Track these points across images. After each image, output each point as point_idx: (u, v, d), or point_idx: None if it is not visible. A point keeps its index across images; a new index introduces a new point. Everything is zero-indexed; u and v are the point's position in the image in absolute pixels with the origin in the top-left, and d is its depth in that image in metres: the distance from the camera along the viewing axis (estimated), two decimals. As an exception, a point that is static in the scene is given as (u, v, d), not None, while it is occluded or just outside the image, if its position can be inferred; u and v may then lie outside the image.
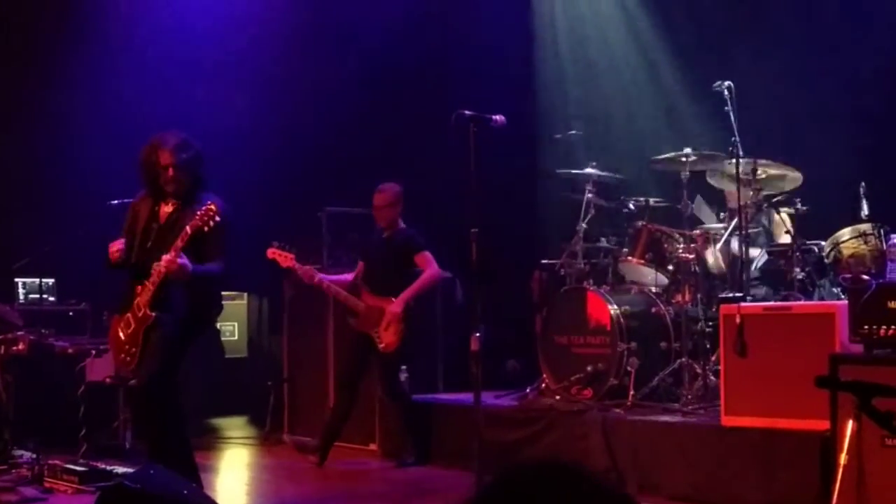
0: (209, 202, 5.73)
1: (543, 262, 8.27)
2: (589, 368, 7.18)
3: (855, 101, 7.73)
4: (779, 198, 7.04)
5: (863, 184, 6.67)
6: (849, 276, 6.05)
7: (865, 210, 6.61)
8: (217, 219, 5.66)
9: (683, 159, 7.18)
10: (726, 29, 8.59)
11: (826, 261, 6.65)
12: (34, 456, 6.86)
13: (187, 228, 5.69)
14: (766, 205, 7.13)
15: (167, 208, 6.02)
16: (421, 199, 7.94)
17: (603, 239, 7.89)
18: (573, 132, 8.45)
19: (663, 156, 7.36)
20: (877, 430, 4.80)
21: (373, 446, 8.13)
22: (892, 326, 5.14)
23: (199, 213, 5.69)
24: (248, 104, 9.73)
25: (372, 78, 9.54)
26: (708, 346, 6.91)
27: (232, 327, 10.42)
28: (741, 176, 6.65)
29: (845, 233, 6.57)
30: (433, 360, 8.56)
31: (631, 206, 7.73)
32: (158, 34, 9.24)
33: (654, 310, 7.28)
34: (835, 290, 6.60)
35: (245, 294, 10.54)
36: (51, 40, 9.05)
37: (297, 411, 8.91)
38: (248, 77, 9.75)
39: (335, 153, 9.59)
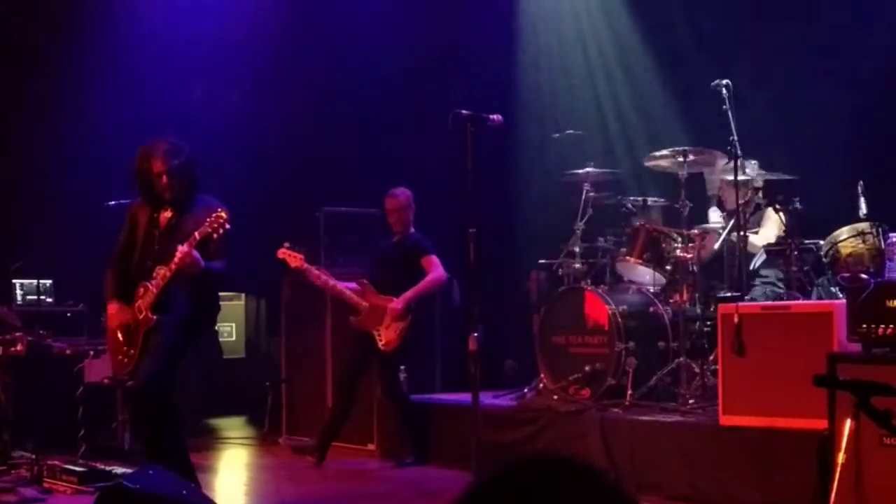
0: (219, 209, 5.74)
1: (541, 261, 8.29)
2: (587, 368, 7.18)
3: (853, 100, 7.73)
4: (778, 196, 7.04)
5: (861, 182, 6.67)
6: (847, 274, 6.04)
7: (864, 209, 6.61)
8: (227, 226, 5.68)
9: (681, 158, 7.18)
10: (726, 29, 8.59)
11: (824, 260, 6.65)
12: (33, 456, 6.86)
13: (196, 234, 5.69)
14: (763, 203, 7.14)
15: (166, 214, 6.03)
16: (418, 199, 7.94)
17: (601, 238, 7.88)
18: (571, 132, 8.45)
19: (660, 152, 7.34)
20: (875, 429, 4.80)
21: (371, 446, 8.13)
22: (891, 325, 5.14)
23: (208, 219, 5.69)
24: (245, 104, 9.73)
25: (370, 77, 9.53)
26: (706, 345, 6.92)
27: (230, 328, 10.42)
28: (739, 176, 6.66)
29: (843, 232, 6.56)
30: (431, 361, 8.56)
31: (629, 206, 7.73)
32: (158, 34, 9.23)
33: (652, 309, 7.28)
34: (833, 289, 6.60)
35: (243, 295, 10.55)
36: (49, 41, 9.04)
37: (295, 412, 8.91)
38: (245, 77, 9.75)
39: (332, 153, 9.58)
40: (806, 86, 7.97)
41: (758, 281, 7.09)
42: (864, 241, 6.39)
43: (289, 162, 9.64)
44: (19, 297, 8.66)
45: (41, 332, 8.10)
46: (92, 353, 7.87)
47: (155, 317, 5.83)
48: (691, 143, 7.40)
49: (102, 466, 6.68)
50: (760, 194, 7.29)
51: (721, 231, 7.19)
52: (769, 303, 6.38)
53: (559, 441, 6.89)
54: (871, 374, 4.03)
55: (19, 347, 7.73)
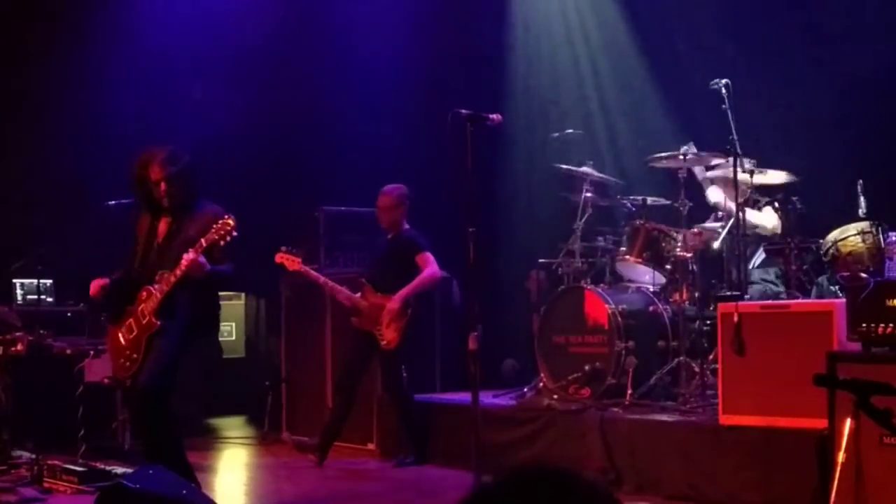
0: (226, 216, 5.75)
1: (541, 261, 8.29)
2: (587, 367, 7.18)
3: (853, 100, 7.73)
4: (778, 196, 7.04)
5: (860, 182, 6.67)
6: (847, 274, 6.05)
7: (863, 208, 6.62)
8: (234, 234, 5.68)
9: (681, 157, 7.18)
10: (725, 28, 8.59)
11: (824, 259, 6.65)
12: (33, 456, 6.86)
13: (202, 241, 5.70)
14: (762, 203, 7.14)
15: (166, 219, 6.03)
16: (417, 199, 7.94)
17: (600, 238, 7.89)
18: (570, 131, 8.45)
19: (660, 154, 7.35)
20: (875, 429, 4.79)
21: (371, 446, 8.13)
22: (891, 324, 5.13)
23: (215, 226, 5.70)
24: (244, 104, 9.73)
25: (369, 77, 9.54)
26: (706, 344, 6.91)
27: (230, 328, 10.42)
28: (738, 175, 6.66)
29: (843, 231, 6.57)
30: (431, 360, 8.55)
31: (628, 205, 7.73)
32: (158, 33, 9.23)
33: (651, 308, 7.29)
34: (833, 288, 6.60)
35: (242, 294, 10.54)
36: (49, 40, 9.04)
37: (294, 411, 8.91)
38: (245, 77, 9.75)
39: (332, 153, 9.58)
40: (806, 86, 7.97)
41: (757, 277, 7.10)
42: (863, 241, 6.39)
43: (288, 161, 9.63)
44: (19, 297, 8.67)
45: (41, 331, 8.10)
46: (92, 352, 7.87)
47: (159, 322, 5.84)
48: (694, 144, 7.39)
49: (102, 466, 6.68)
50: (759, 193, 7.30)
51: (721, 212, 7.17)
52: (769, 302, 6.37)
53: (559, 441, 6.89)
54: (870, 374, 4.04)
55: (19, 347, 7.74)
